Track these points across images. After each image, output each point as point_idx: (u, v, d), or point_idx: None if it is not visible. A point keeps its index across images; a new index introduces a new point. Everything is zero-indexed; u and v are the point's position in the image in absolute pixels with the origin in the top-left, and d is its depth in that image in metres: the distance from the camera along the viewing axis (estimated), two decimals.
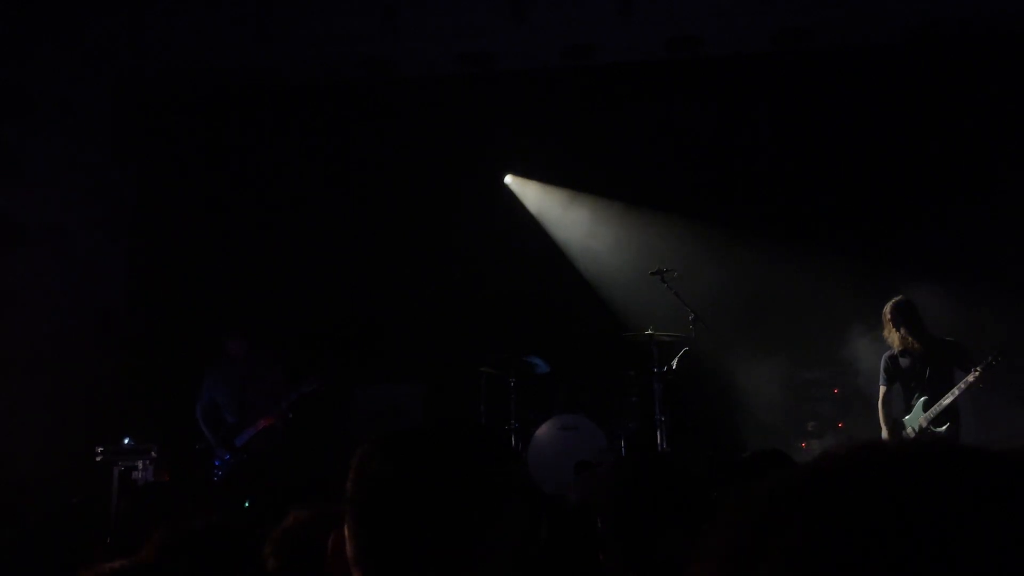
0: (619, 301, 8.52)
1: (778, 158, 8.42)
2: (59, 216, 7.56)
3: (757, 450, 2.60)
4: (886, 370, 6.27)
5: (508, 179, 9.03)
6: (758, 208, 8.38)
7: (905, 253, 7.59)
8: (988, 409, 6.55)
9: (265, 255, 8.67)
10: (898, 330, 6.16)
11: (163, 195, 8.57)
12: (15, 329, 6.95)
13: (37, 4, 7.28)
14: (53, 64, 7.51)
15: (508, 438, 7.47)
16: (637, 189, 8.61)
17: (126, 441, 6.72)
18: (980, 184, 7.88)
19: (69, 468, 6.72)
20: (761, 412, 7.86)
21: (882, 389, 6.28)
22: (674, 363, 7.33)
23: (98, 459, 6.57)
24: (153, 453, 6.70)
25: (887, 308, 6.23)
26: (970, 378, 5.69)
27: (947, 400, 5.84)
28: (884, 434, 6.20)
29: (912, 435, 6.03)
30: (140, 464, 6.60)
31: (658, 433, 7.26)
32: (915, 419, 6.02)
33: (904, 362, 6.19)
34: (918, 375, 6.10)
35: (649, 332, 7.39)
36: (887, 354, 6.29)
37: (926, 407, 5.95)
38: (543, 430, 7.40)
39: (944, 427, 5.87)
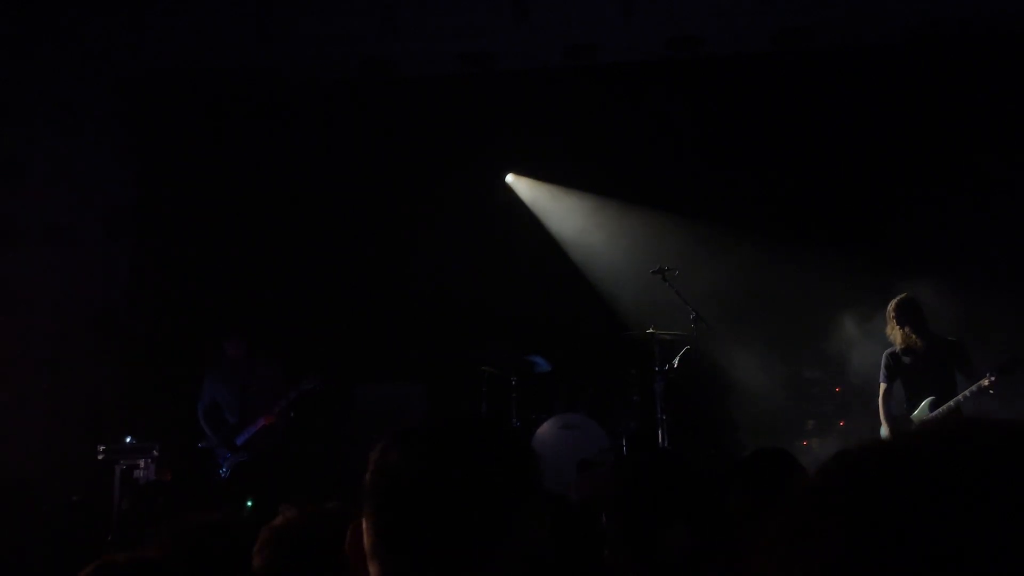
0: (620, 300, 8.52)
1: (779, 157, 8.42)
2: (59, 216, 7.56)
3: (759, 449, 2.61)
4: (887, 367, 6.28)
5: (509, 178, 9.03)
6: (759, 207, 8.37)
7: (906, 252, 7.59)
8: (990, 410, 6.55)
9: (266, 254, 8.68)
10: (901, 328, 6.17)
11: (163, 194, 8.57)
12: (16, 328, 6.95)
13: (37, 4, 7.28)
14: (53, 64, 7.51)
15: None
16: (638, 188, 8.61)
17: (128, 440, 6.73)
18: (981, 183, 7.89)
19: (71, 467, 6.73)
20: (762, 411, 7.86)
21: (883, 386, 6.29)
22: (675, 362, 7.34)
23: (100, 458, 6.58)
24: (155, 452, 6.71)
25: (891, 305, 6.24)
26: (984, 383, 5.69)
27: (955, 402, 5.85)
28: (884, 431, 6.21)
29: None
30: (142, 463, 6.60)
31: (659, 432, 7.27)
32: (921, 417, 6.03)
33: (906, 360, 6.19)
34: (920, 373, 6.10)
35: (650, 331, 7.40)
36: (889, 351, 6.30)
37: (933, 406, 5.96)
38: (544, 429, 7.41)
39: None
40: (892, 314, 6.22)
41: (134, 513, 5.80)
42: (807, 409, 8.02)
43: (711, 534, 2.12)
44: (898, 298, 6.24)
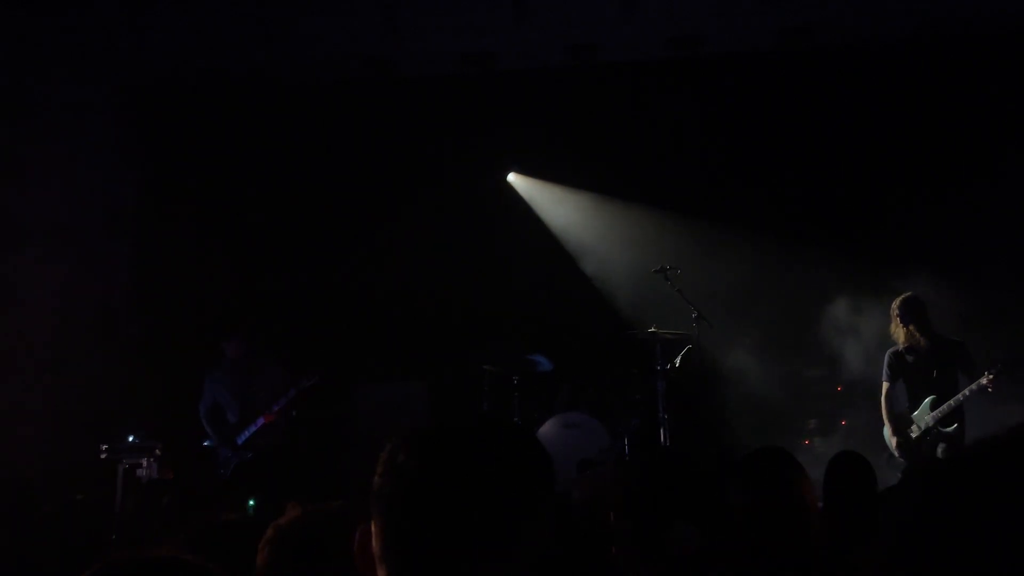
0: (622, 299, 8.52)
1: (780, 156, 8.41)
2: (61, 215, 7.57)
3: (758, 448, 2.62)
4: (890, 366, 6.27)
5: (511, 177, 9.03)
6: (761, 206, 8.37)
7: (909, 251, 7.58)
8: (992, 410, 6.55)
9: (267, 254, 8.69)
10: (905, 327, 6.16)
11: (165, 194, 8.57)
12: (18, 328, 6.96)
13: (39, 5, 7.28)
14: (54, 64, 7.52)
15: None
16: (639, 187, 8.61)
17: (130, 439, 6.74)
18: (984, 182, 7.88)
19: (74, 466, 6.74)
20: (764, 409, 7.86)
21: (885, 385, 6.28)
22: (677, 361, 7.35)
23: (102, 457, 6.58)
24: (157, 451, 6.72)
25: (895, 304, 6.23)
26: (983, 381, 5.70)
27: (955, 402, 5.85)
28: (887, 431, 6.21)
29: (918, 432, 6.04)
30: (144, 462, 6.62)
31: (661, 431, 7.27)
32: (922, 416, 6.03)
33: (909, 359, 6.19)
34: (924, 373, 6.09)
35: (652, 330, 7.40)
36: (892, 350, 6.29)
37: (934, 406, 5.96)
38: (546, 428, 7.41)
39: (952, 427, 5.88)
40: (896, 313, 6.21)
41: (137, 512, 5.81)
42: (809, 408, 8.03)
43: (718, 533, 2.13)
44: (902, 297, 6.24)
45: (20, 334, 6.94)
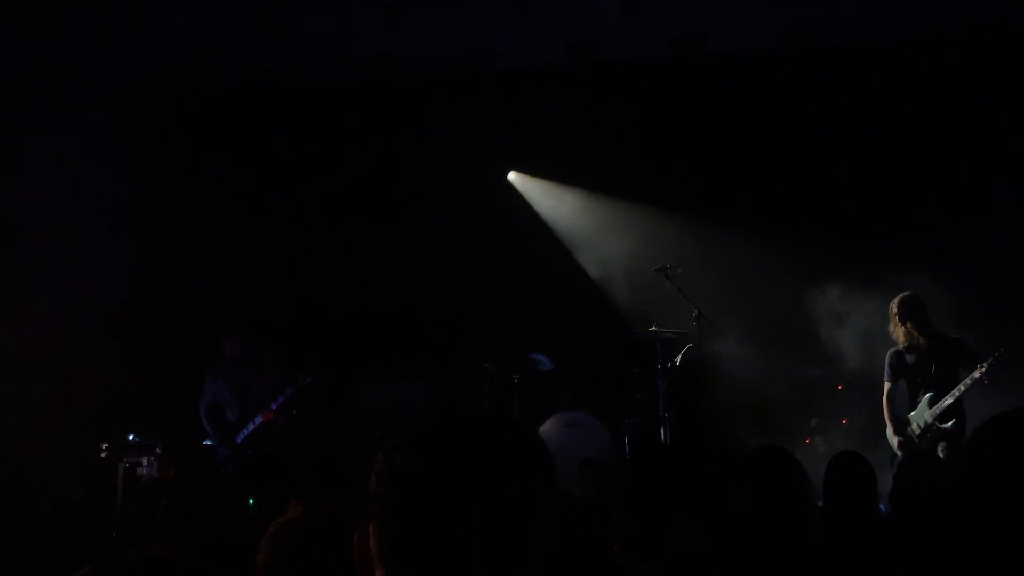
0: (622, 298, 8.51)
1: (782, 155, 8.40)
2: (62, 214, 7.57)
3: (758, 447, 2.61)
4: (891, 366, 6.27)
5: (511, 176, 9.02)
6: (763, 205, 8.37)
7: (910, 250, 7.58)
8: (993, 407, 6.55)
9: (268, 252, 8.68)
10: (904, 326, 6.16)
11: (166, 192, 8.57)
12: (19, 327, 6.96)
13: (39, 2, 7.28)
14: (55, 62, 7.51)
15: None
16: (640, 186, 8.60)
17: (131, 437, 6.74)
18: (986, 181, 7.88)
19: (74, 465, 6.74)
20: (765, 409, 7.86)
21: (886, 385, 6.28)
22: (678, 360, 7.35)
23: (103, 455, 6.58)
24: (158, 449, 6.72)
25: (894, 303, 6.24)
26: (976, 374, 5.70)
27: (951, 398, 5.85)
28: (889, 430, 6.21)
29: (917, 431, 6.04)
30: (145, 460, 6.62)
31: (662, 430, 7.28)
32: (920, 415, 6.03)
33: (910, 358, 6.19)
34: (924, 372, 6.09)
35: (652, 329, 7.40)
36: (892, 350, 6.29)
37: (932, 403, 5.96)
38: (546, 427, 7.41)
39: (950, 423, 5.88)
40: (895, 312, 6.22)
41: (137, 511, 5.81)
42: (810, 407, 8.03)
43: (720, 531, 2.13)
44: (901, 296, 6.24)
45: (20, 332, 6.94)
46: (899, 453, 6.10)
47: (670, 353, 7.46)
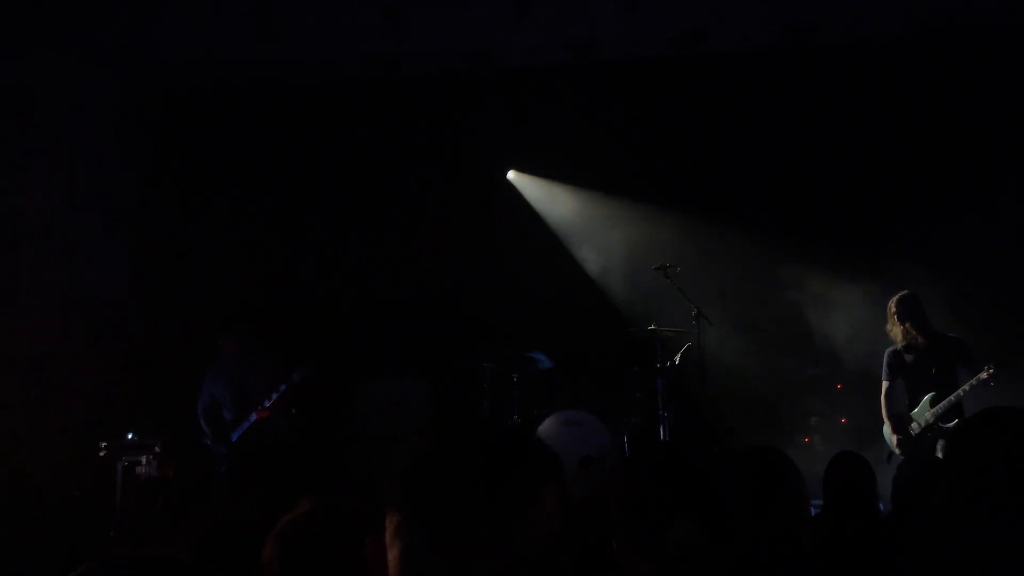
0: (622, 297, 8.51)
1: (782, 154, 8.39)
2: (62, 213, 7.56)
3: (754, 448, 2.61)
4: (889, 365, 6.28)
5: (511, 175, 9.01)
6: (762, 204, 8.37)
7: (910, 249, 7.58)
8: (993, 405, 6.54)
9: (268, 251, 8.68)
10: (902, 325, 6.16)
11: (166, 192, 8.56)
12: (18, 326, 6.95)
13: (39, 2, 7.27)
14: (56, 62, 7.50)
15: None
16: (640, 185, 8.60)
17: (129, 436, 6.73)
18: (986, 181, 7.88)
19: (73, 463, 6.73)
20: (764, 407, 7.87)
21: (885, 384, 6.29)
22: (677, 358, 7.36)
23: (101, 455, 6.57)
24: (157, 448, 6.71)
25: (892, 303, 6.25)
26: (983, 375, 5.70)
27: (955, 398, 5.86)
28: (887, 428, 6.21)
29: (918, 429, 6.04)
30: (144, 459, 6.60)
31: (661, 428, 7.28)
32: (921, 414, 6.03)
33: (908, 358, 6.19)
34: (923, 371, 6.10)
35: (652, 327, 7.41)
36: (890, 349, 6.30)
37: (933, 403, 5.96)
38: (546, 426, 7.40)
39: (952, 423, 5.88)
40: (893, 311, 6.23)
41: (135, 510, 5.80)
42: (809, 406, 8.03)
43: (720, 530, 2.13)
44: (899, 295, 6.25)
45: (20, 332, 6.93)
46: (897, 451, 6.11)
47: (669, 352, 7.46)
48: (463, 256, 8.55)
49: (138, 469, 6.56)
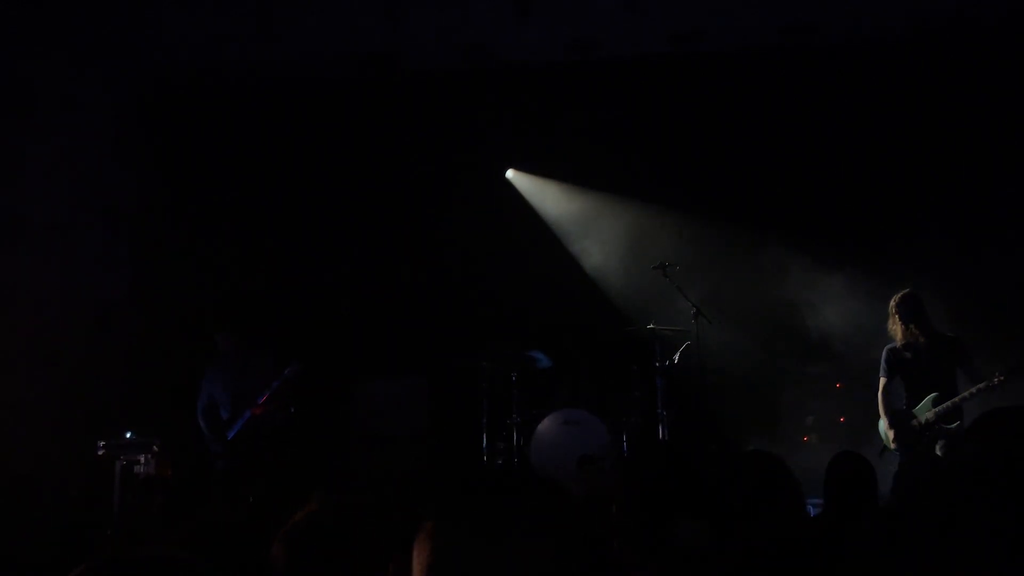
0: (621, 295, 8.51)
1: (782, 153, 8.39)
2: (61, 212, 7.55)
3: (749, 452, 2.61)
4: (887, 361, 6.28)
5: (509, 173, 9.01)
6: (761, 203, 8.37)
7: (909, 248, 7.58)
8: (987, 407, 6.54)
9: (267, 251, 8.67)
10: (903, 323, 6.17)
11: (165, 191, 8.55)
12: (17, 324, 6.94)
13: (39, 2, 7.25)
14: (55, 61, 7.49)
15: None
16: (639, 183, 8.59)
17: (128, 435, 6.72)
18: (986, 180, 7.88)
19: (71, 463, 6.72)
20: (763, 406, 7.87)
21: (882, 380, 6.29)
22: (676, 357, 7.36)
23: (100, 453, 6.56)
24: (155, 447, 6.70)
25: (893, 301, 6.25)
26: (994, 382, 5.71)
27: (960, 400, 5.86)
28: (883, 424, 6.21)
29: (918, 427, 6.04)
30: (142, 458, 6.59)
31: (660, 427, 7.28)
32: (923, 412, 6.04)
33: (907, 355, 6.20)
34: (922, 369, 6.10)
35: (651, 326, 7.41)
36: (889, 346, 6.30)
37: (936, 403, 5.96)
38: (545, 425, 7.40)
39: (954, 424, 5.89)
40: (894, 309, 6.24)
41: (134, 508, 5.79)
42: (807, 405, 8.03)
43: (722, 529, 2.13)
44: (901, 293, 6.25)
45: (18, 330, 6.92)
46: (892, 447, 6.12)
47: (668, 350, 7.46)
48: (462, 255, 8.54)
49: (136, 468, 6.55)
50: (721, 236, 8.25)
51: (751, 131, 8.43)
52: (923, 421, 6.02)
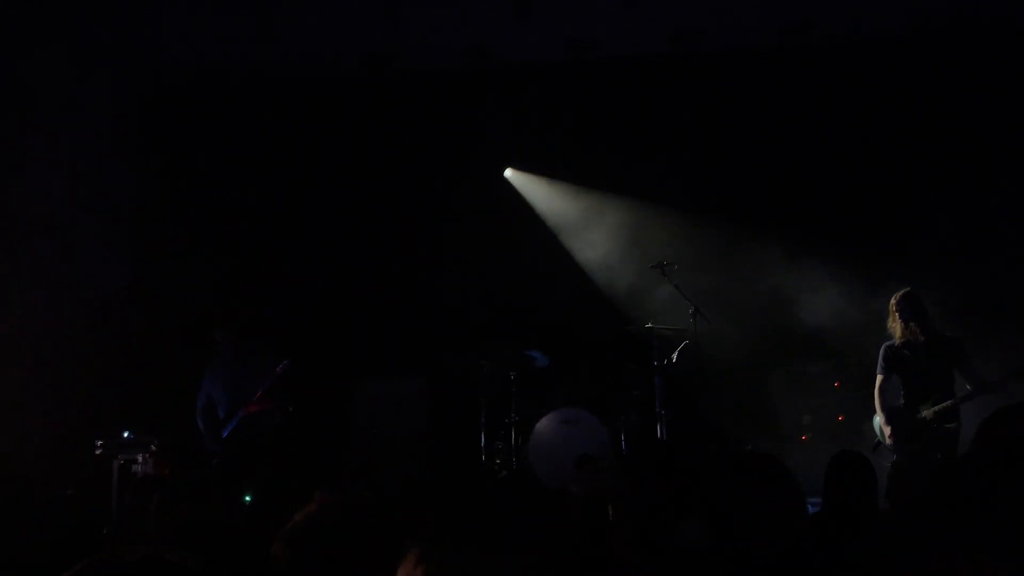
0: (619, 295, 8.50)
1: (781, 152, 8.39)
2: (61, 212, 7.55)
3: (746, 453, 2.62)
4: (885, 359, 6.28)
5: (508, 173, 9.00)
6: (759, 202, 8.37)
7: (908, 247, 7.58)
8: (984, 409, 6.54)
9: (267, 250, 8.67)
10: (903, 322, 6.17)
11: (165, 190, 8.55)
12: (17, 323, 6.94)
13: (39, 2, 7.25)
14: (55, 61, 7.49)
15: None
16: (638, 183, 8.59)
17: (126, 434, 6.71)
18: (985, 180, 7.88)
19: (69, 461, 6.72)
20: (761, 405, 7.87)
21: (879, 378, 6.29)
22: (674, 356, 7.36)
23: (98, 452, 6.56)
24: (153, 446, 6.69)
25: (893, 300, 6.25)
26: (995, 383, 5.73)
27: (961, 401, 5.87)
28: (880, 420, 6.21)
29: (916, 425, 6.04)
30: (140, 457, 6.59)
31: (658, 426, 7.28)
32: (922, 411, 6.04)
33: (906, 354, 6.19)
34: (921, 368, 6.10)
35: (649, 325, 7.41)
36: (887, 344, 6.30)
37: (937, 402, 5.97)
38: (543, 424, 7.40)
39: (952, 424, 5.90)
40: (894, 307, 6.23)
41: (131, 508, 5.78)
42: (805, 404, 8.03)
43: (720, 529, 2.13)
44: (901, 292, 6.25)
45: (17, 330, 6.92)
46: (888, 443, 6.12)
47: (667, 350, 7.46)
48: (460, 254, 8.54)
49: (134, 467, 6.55)
50: (720, 235, 8.25)
51: (751, 131, 8.43)
52: (921, 420, 6.02)
